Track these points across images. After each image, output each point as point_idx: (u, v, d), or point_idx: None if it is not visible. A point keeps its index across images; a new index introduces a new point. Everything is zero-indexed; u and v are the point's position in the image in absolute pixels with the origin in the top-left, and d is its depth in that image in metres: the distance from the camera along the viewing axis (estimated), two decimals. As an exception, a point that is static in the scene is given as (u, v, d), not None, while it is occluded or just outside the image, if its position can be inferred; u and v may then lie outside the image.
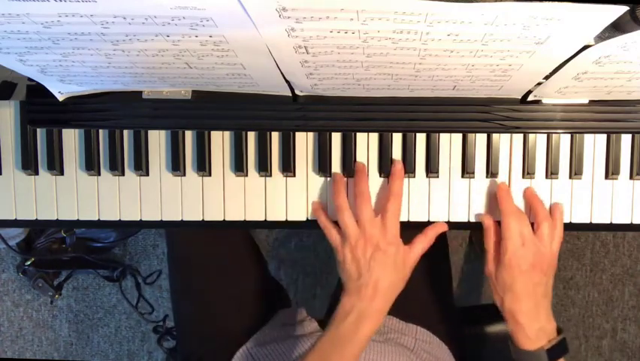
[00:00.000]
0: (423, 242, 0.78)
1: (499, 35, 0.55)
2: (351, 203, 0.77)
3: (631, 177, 0.80)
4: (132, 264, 1.64)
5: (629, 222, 0.80)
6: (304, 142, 0.81)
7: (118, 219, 0.82)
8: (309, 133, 0.80)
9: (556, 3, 0.49)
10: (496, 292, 0.78)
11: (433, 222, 0.80)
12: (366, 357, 0.85)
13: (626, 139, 0.79)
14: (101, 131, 0.81)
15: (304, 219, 0.81)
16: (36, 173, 0.82)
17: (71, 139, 0.81)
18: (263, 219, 0.82)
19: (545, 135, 0.79)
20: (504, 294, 0.76)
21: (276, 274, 1.66)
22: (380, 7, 0.50)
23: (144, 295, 1.58)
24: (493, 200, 0.79)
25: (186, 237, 0.99)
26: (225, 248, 1.01)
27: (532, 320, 0.75)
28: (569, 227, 0.81)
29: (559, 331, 0.77)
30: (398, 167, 0.79)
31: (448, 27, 0.53)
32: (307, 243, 1.67)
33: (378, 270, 0.74)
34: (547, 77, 0.68)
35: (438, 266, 1.01)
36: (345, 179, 0.80)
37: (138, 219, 0.82)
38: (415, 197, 0.81)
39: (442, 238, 1.01)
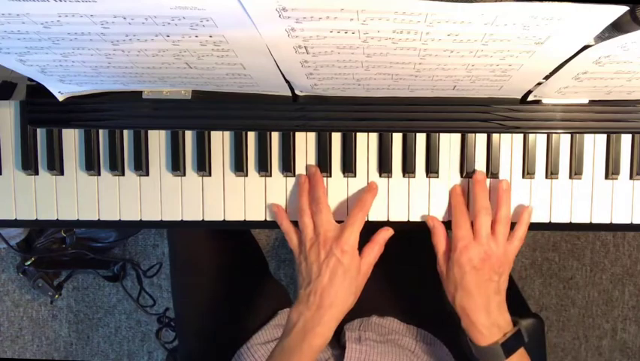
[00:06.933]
0: (373, 250, 0.77)
1: (499, 35, 0.55)
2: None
3: (631, 177, 0.80)
4: (132, 258, 1.65)
5: (629, 222, 0.80)
6: (304, 142, 0.81)
7: (118, 219, 0.82)
8: (309, 133, 0.80)
9: (556, 3, 0.49)
10: (447, 290, 0.77)
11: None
12: (367, 358, 0.85)
13: (626, 139, 0.79)
14: (101, 131, 0.81)
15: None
16: (36, 173, 0.82)
17: (71, 139, 0.81)
18: (263, 219, 0.82)
19: (545, 135, 0.79)
20: (455, 291, 0.75)
21: (276, 274, 1.66)
22: (380, 7, 0.50)
23: (145, 288, 1.59)
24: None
25: (187, 237, 0.99)
26: (226, 248, 1.02)
27: (483, 317, 0.74)
28: (569, 227, 0.81)
29: (515, 323, 0.76)
30: (374, 185, 0.80)
31: (448, 27, 0.53)
32: (307, 243, 1.66)
33: (328, 277, 0.74)
34: (547, 77, 0.68)
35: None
36: (308, 182, 0.79)
37: (138, 219, 0.82)
38: (415, 197, 0.81)
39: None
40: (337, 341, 0.93)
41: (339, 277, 0.74)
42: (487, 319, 0.74)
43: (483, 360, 0.76)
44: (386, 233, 0.79)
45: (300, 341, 0.73)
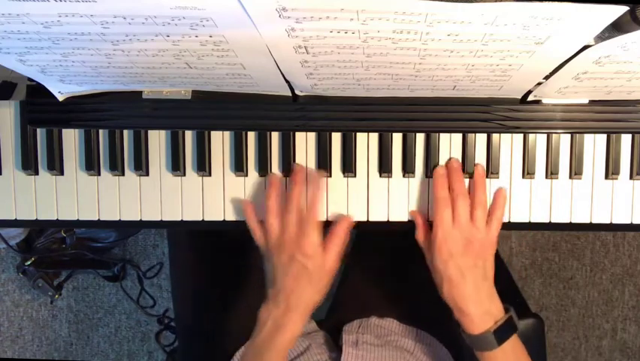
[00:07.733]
0: (336, 244, 0.76)
1: (499, 35, 0.55)
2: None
3: (631, 177, 0.80)
4: (132, 259, 1.65)
5: (629, 222, 0.80)
6: (304, 142, 0.81)
7: (118, 219, 0.82)
8: (309, 133, 0.80)
9: (556, 3, 0.49)
10: (436, 283, 0.76)
11: (433, 222, 0.80)
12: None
13: (626, 139, 0.79)
14: (101, 131, 0.81)
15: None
16: (36, 173, 0.82)
17: (71, 139, 0.81)
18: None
19: (545, 135, 0.79)
20: (442, 282, 0.74)
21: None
22: (380, 7, 0.50)
23: (145, 288, 1.59)
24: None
25: (187, 237, 0.99)
26: (226, 248, 1.01)
27: (474, 305, 0.73)
28: (569, 227, 0.81)
29: (507, 310, 0.75)
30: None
31: (448, 27, 0.53)
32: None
33: (293, 280, 0.74)
34: (547, 77, 0.68)
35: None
36: (281, 181, 0.79)
37: (138, 219, 0.82)
38: (414, 197, 0.81)
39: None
40: (335, 343, 0.93)
41: (304, 279, 0.74)
42: (478, 307, 0.73)
43: (476, 349, 0.75)
44: (345, 223, 0.77)
45: (271, 338, 0.74)
